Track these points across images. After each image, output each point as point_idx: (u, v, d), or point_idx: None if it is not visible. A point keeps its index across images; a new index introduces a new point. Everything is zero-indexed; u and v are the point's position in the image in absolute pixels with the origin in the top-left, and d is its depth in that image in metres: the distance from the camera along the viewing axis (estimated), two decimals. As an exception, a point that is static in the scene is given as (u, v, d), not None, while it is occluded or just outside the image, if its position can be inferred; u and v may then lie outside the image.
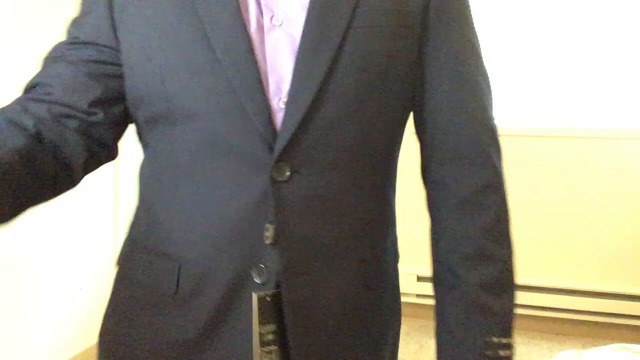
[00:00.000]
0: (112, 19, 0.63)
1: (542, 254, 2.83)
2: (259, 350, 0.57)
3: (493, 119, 0.70)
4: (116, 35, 0.63)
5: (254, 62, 0.58)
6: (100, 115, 0.62)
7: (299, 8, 0.59)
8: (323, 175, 0.60)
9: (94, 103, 0.62)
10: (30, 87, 0.63)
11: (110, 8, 0.63)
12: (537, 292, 2.79)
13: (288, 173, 0.58)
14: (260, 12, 0.60)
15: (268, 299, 0.58)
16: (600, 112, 2.75)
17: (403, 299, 3.23)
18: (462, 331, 0.64)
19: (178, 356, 0.62)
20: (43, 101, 0.60)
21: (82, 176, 0.64)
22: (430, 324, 2.92)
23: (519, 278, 2.46)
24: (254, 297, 0.58)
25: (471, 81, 0.66)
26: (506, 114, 2.86)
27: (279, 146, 0.57)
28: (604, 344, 1.35)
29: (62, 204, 2.18)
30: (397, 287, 0.79)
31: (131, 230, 0.69)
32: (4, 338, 1.93)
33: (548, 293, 2.78)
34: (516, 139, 2.81)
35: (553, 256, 2.82)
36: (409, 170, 3.33)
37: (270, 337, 0.58)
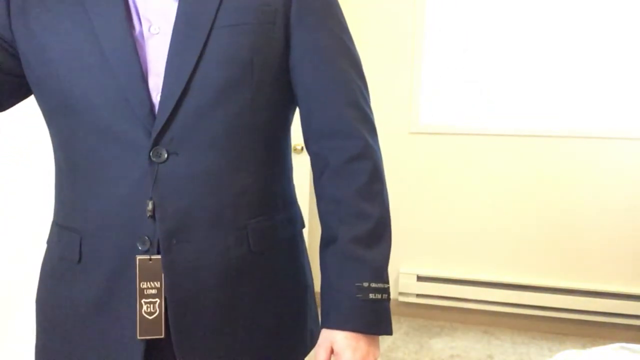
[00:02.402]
0: (9, 17, 0.72)
1: (542, 254, 2.84)
2: (142, 302, 0.69)
3: (364, 101, 0.78)
4: (12, 30, 0.72)
5: (138, 63, 0.68)
6: None
7: (171, 18, 0.69)
8: (200, 156, 0.69)
9: None
10: None
11: (8, 7, 0.72)
12: (537, 292, 2.79)
13: (165, 155, 0.68)
14: (139, 22, 0.70)
15: (150, 261, 0.69)
16: (600, 113, 2.75)
17: (403, 298, 3.22)
18: (337, 279, 0.73)
19: (85, 314, 0.72)
20: None
21: None
22: (430, 324, 2.94)
23: (519, 278, 2.47)
24: (137, 258, 0.69)
25: (339, 70, 0.75)
26: (507, 115, 2.86)
27: (154, 132, 0.67)
28: (604, 344, 1.35)
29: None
30: (301, 255, 0.85)
31: (54, 209, 0.79)
32: (4, 338, 1.93)
33: (548, 293, 2.78)
34: (518, 139, 2.82)
35: (553, 256, 2.82)
36: (408, 175, 3.32)
37: (153, 291, 0.69)
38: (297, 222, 0.83)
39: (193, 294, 0.71)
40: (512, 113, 2.86)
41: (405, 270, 2.96)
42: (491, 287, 2.85)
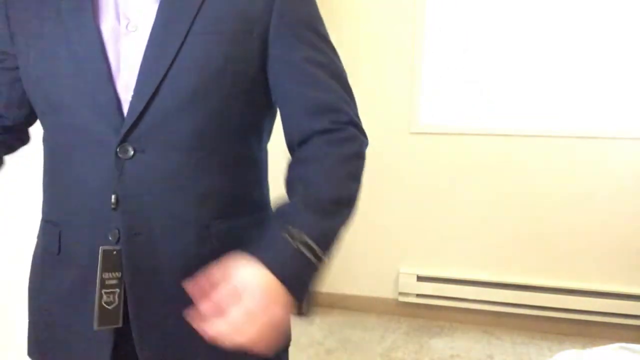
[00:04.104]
0: (9, 29, 0.77)
1: (542, 254, 2.84)
2: (102, 292, 0.70)
3: (348, 107, 0.76)
4: (13, 43, 0.77)
5: (106, 62, 0.70)
6: (10, 119, 0.82)
7: (150, 19, 0.71)
8: (166, 155, 0.70)
9: (6, 107, 0.82)
10: None
11: (7, 20, 0.77)
12: (537, 292, 2.79)
13: (132, 152, 0.70)
14: (117, 19, 0.71)
15: (114, 252, 0.71)
16: (601, 113, 2.75)
17: (403, 298, 3.24)
18: (279, 218, 0.69)
19: (65, 303, 0.76)
20: None
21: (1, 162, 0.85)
22: (430, 324, 2.96)
23: (519, 278, 2.47)
24: (100, 249, 0.70)
25: (317, 81, 0.74)
26: (507, 115, 2.86)
27: (122, 130, 0.69)
28: (604, 344, 1.35)
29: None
30: None
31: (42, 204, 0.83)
32: (4, 338, 1.93)
33: (548, 293, 2.78)
34: (518, 139, 2.82)
35: (553, 256, 2.82)
36: (408, 175, 3.31)
37: (113, 282, 0.71)
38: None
39: (151, 287, 0.72)
40: (513, 113, 2.86)
41: (405, 270, 2.96)
42: (491, 287, 2.85)
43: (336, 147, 0.74)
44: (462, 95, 2.91)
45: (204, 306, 0.62)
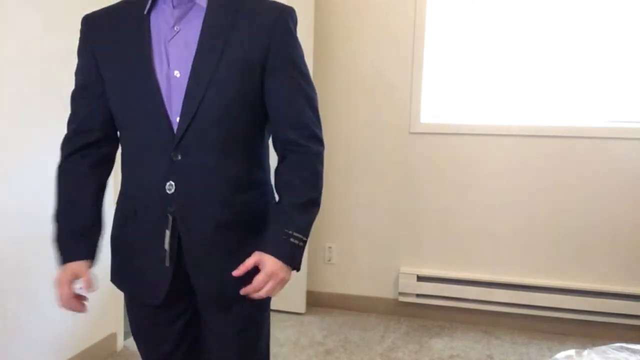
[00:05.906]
0: (96, 61, 1.14)
1: (542, 253, 2.84)
2: (167, 238, 1.13)
3: (310, 121, 1.15)
4: (99, 73, 1.14)
5: (161, 97, 1.09)
6: (97, 130, 1.19)
7: (188, 66, 1.08)
8: (202, 157, 1.09)
9: (91, 119, 1.18)
10: (77, 133, 1.20)
11: (93, 54, 1.14)
12: (537, 292, 2.80)
13: (180, 156, 1.09)
14: (168, 66, 1.09)
15: (172, 217, 1.12)
16: (602, 112, 2.76)
17: (403, 298, 3.26)
18: (275, 224, 1.12)
19: (138, 246, 1.17)
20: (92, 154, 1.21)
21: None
22: (430, 324, 2.96)
23: (519, 278, 2.48)
24: (168, 215, 1.13)
25: (294, 103, 1.13)
26: (507, 114, 2.86)
27: (174, 142, 1.09)
28: (604, 344, 1.35)
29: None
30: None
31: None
32: (4, 338, 1.93)
33: (548, 293, 2.79)
34: (517, 138, 2.82)
35: (553, 256, 2.82)
36: (408, 175, 3.30)
37: (167, 234, 1.12)
38: (267, 196, 1.21)
39: (196, 238, 1.13)
40: (513, 113, 2.86)
41: (405, 270, 2.96)
42: (491, 287, 2.85)
43: (306, 157, 1.13)
44: (463, 95, 2.91)
45: (250, 287, 1.10)
